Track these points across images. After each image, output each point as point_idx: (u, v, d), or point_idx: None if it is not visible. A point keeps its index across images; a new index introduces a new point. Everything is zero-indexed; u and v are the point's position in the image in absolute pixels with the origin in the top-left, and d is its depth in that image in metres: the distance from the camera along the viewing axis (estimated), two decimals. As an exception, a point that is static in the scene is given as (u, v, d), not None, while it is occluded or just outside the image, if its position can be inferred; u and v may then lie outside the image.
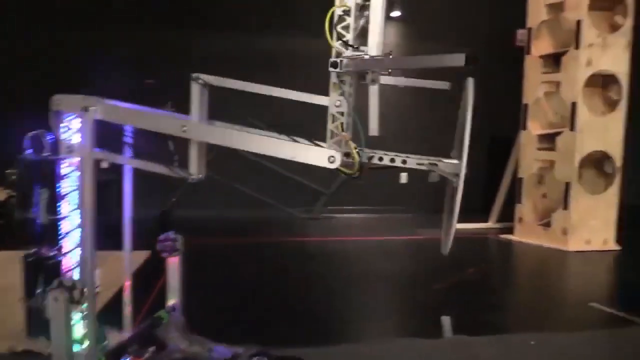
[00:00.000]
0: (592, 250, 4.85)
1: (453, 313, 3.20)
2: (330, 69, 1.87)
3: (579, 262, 4.65)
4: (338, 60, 1.86)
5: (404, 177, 6.46)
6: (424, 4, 6.29)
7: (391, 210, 6.40)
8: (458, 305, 3.39)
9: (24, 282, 1.84)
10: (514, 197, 5.35)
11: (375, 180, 6.35)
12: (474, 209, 6.14)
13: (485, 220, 5.78)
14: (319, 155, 1.91)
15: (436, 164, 1.81)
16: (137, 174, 2.13)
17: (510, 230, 5.39)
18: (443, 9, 6.38)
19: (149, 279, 2.68)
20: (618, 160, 4.91)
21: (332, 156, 1.88)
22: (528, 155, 5.20)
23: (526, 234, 5.21)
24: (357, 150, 1.84)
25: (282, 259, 4.42)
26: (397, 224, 5.96)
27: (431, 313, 3.21)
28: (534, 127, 5.17)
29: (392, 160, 1.87)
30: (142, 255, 3.24)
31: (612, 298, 3.88)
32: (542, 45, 5.13)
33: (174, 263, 2.19)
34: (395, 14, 6.14)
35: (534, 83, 5.13)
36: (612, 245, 4.95)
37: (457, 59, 1.66)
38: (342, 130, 1.88)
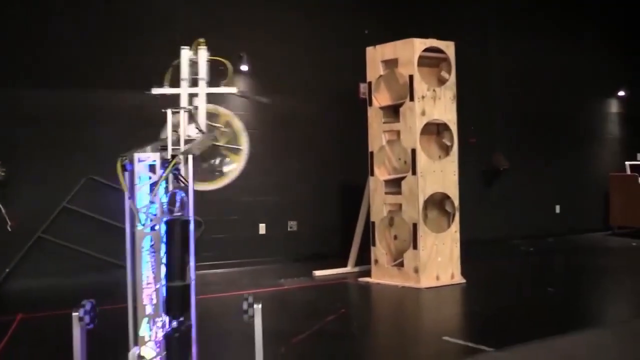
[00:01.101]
0: (442, 286, 5.19)
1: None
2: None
3: (431, 298, 4.93)
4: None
5: (262, 228, 6.43)
6: (271, 61, 6.48)
7: (252, 263, 6.29)
8: (318, 355, 3.39)
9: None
10: (369, 240, 5.58)
11: (233, 233, 6.22)
12: (333, 255, 6.30)
13: (345, 265, 5.93)
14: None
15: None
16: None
17: (368, 273, 5.58)
18: (291, 64, 6.63)
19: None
20: (456, 200, 5.38)
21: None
22: (377, 199, 5.49)
23: (382, 275, 5.42)
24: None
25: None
26: (259, 276, 5.85)
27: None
28: (381, 173, 5.50)
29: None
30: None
31: (462, 329, 4.16)
32: (381, 98, 5.53)
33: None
34: (244, 68, 6.22)
35: (377, 132, 5.49)
36: (459, 279, 5.35)
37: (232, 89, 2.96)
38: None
